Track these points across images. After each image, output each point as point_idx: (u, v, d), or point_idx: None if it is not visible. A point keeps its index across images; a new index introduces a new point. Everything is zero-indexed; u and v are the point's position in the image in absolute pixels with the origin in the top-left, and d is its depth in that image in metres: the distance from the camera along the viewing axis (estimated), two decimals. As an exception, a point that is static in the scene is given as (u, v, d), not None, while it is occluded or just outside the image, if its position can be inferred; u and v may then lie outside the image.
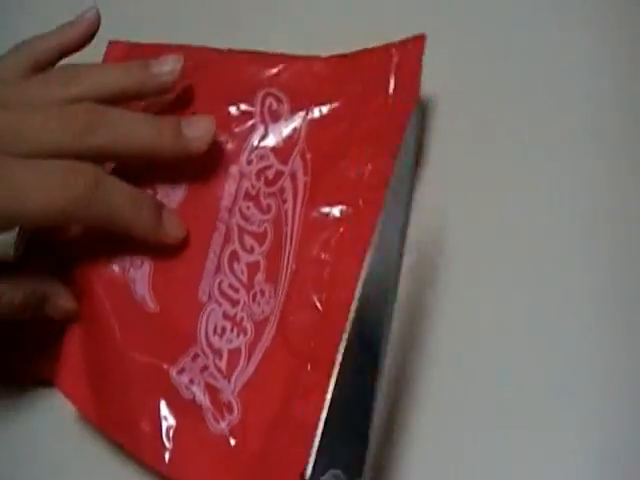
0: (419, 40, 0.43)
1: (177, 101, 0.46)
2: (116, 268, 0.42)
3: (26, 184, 0.36)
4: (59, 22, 0.45)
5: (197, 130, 0.42)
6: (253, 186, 0.43)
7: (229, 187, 0.43)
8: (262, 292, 0.41)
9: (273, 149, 0.44)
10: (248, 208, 0.43)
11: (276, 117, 0.44)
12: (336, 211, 0.42)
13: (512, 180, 0.42)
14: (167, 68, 0.43)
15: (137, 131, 0.40)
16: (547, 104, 0.43)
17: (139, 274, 0.42)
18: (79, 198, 0.37)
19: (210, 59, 0.47)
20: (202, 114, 0.43)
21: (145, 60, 0.43)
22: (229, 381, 0.39)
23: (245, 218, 0.42)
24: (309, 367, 0.39)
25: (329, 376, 0.37)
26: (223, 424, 0.39)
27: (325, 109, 0.44)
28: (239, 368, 0.40)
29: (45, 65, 0.43)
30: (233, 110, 0.45)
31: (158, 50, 0.45)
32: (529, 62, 0.45)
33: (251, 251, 0.42)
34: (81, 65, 0.43)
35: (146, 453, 0.39)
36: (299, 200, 0.42)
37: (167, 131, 0.41)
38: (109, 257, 0.42)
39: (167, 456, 0.39)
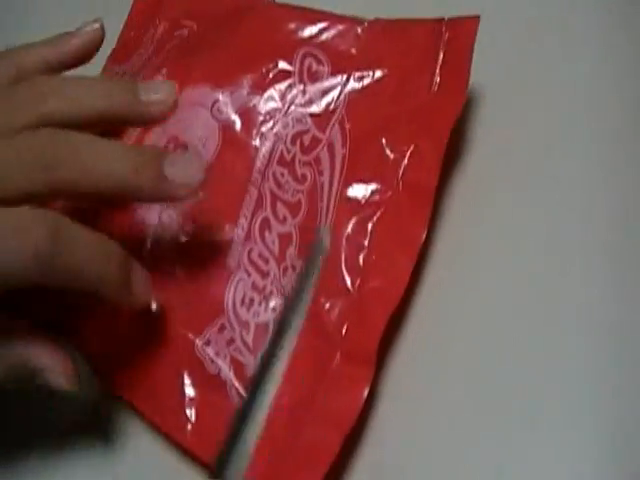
0: (473, 21, 0.41)
1: (213, 48, 0.44)
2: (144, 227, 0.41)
3: None
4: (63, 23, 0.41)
5: (182, 171, 0.35)
6: (288, 150, 0.41)
7: (263, 149, 0.42)
8: (293, 267, 0.40)
9: (311, 113, 0.42)
10: (282, 175, 0.41)
11: (315, 79, 0.43)
12: (373, 191, 0.41)
13: (556, 172, 0.42)
14: (158, 97, 0.36)
15: (109, 166, 0.33)
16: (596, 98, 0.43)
17: (167, 234, 0.41)
18: (37, 256, 0.31)
19: (253, 6, 0.44)
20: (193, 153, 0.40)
21: (133, 81, 0.38)
22: (255, 357, 0.38)
23: (279, 185, 0.41)
24: (338, 356, 0.38)
25: (359, 370, 0.36)
26: None
27: (367, 77, 0.43)
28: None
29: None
30: (270, 67, 0.43)
31: None
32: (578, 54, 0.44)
33: (284, 221, 0.41)
34: (54, 78, 0.36)
35: (167, 424, 0.39)
36: (336, 175, 0.41)
37: (147, 170, 0.34)
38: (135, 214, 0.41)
39: (189, 428, 0.38)
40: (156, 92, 0.36)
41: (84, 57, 0.39)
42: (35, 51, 0.37)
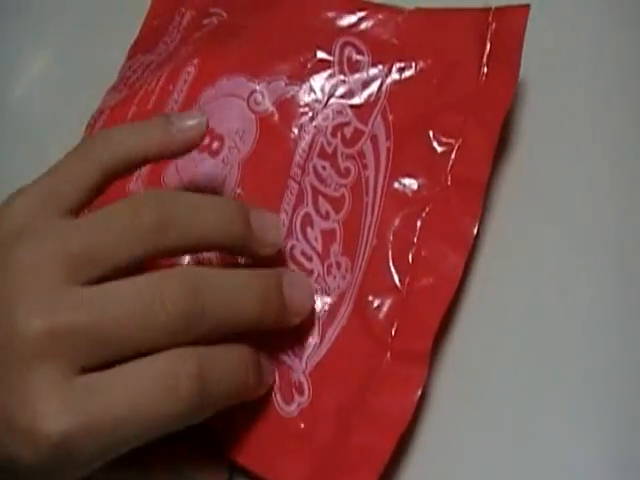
0: (522, 10, 0.40)
1: (247, 36, 0.42)
2: None
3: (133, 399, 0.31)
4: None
5: (299, 295, 0.37)
6: (329, 143, 0.40)
7: (302, 141, 0.40)
8: (338, 265, 0.38)
9: (351, 104, 0.41)
10: (324, 168, 0.40)
11: (355, 69, 0.41)
12: (421, 186, 0.39)
13: (608, 162, 0.40)
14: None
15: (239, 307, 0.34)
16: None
17: None
18: (189, 403, 0.31)
19: None
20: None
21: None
22: (300, 359, 0.37)
23: (320, 179, 0.40)
24: (388, 355, 0.36)
25: (411, 370, 0.35)
26: (293, 406, 0.37)
27: (410, 67, 0.41)
28: (312, 346, 0.37)
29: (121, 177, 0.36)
30: (309, 56, 0.42)
31: None
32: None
33: (326, 217, 0.39)
34: (180, 204, 0.34)
35: (210, 430, 0.37)
36: (382, 168, 0.39)
37: (272, 303, 0.35)
38: None
39: (232, 436, 0.37)
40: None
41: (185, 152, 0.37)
42: (133, 150, 0.36)
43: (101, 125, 0.44)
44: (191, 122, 0.36)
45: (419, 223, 0.38)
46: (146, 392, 0.31)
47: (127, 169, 0.35)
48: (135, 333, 0.31)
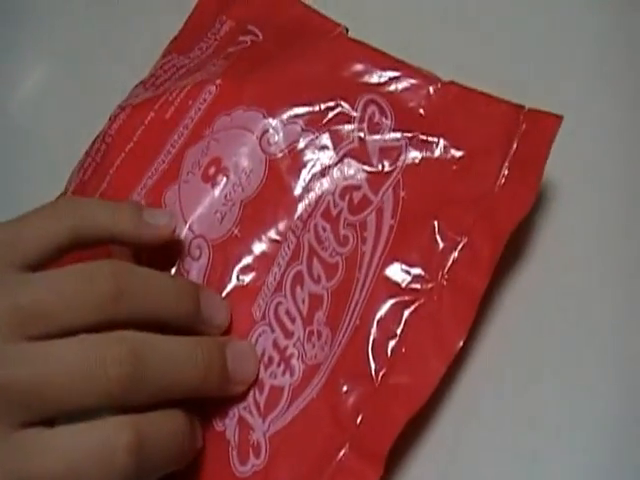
0: (554, 120, 0.40)
1: (273, 68, 0.41)
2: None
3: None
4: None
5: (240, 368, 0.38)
6: (335, 204, 0.40)
7: (309, 194, 0.40)
8: (319, 334, 0.39)
9: (366, 168, 0.40)
10: (324, 230, 0.40)
11: (376, 130, 0.41)
12: (415, 277, 0.39)
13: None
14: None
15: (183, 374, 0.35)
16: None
17: (196, 266, 0.39)
18: (124, 476, 0.32)
19: (324, 32, 0.42)
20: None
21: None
22: (264, 421, 0.38)
23: (319, 241, 0.40)
24: (347, 447, 0.37)
25: (365, 468, 0.36)
26: (247, 467, 0.37)
27: (432, 144, 0.40)
28: (277, 410, 0.38)
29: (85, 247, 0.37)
30: (330, 105, 0.41)
31: None
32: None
33: (317, 281, 0.39)
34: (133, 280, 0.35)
35: None
36: (379, 247, 0.39)
37: (214, 372, 0.36)
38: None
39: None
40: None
41: (148, 246, 0.38)
42: (102, 224, 0.36)
43: (120, 123, 0.42)
44: (160, 220, 0.37)
45: (406, 316, 0.38)
46: (82, 460, 0.31)
47: (94, 240, 0.36)
48: (73, 393, 0.32)
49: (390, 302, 0.39)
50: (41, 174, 0.45)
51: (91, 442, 0.32)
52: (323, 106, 0.41)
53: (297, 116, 0.41)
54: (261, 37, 0.44)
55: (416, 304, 0.38)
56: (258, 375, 0.38)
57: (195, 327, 0.36)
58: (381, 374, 0.38)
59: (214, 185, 0.40)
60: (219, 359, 0.36)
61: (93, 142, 0.43)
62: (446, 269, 0.38)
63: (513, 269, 0.41)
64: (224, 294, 0.39)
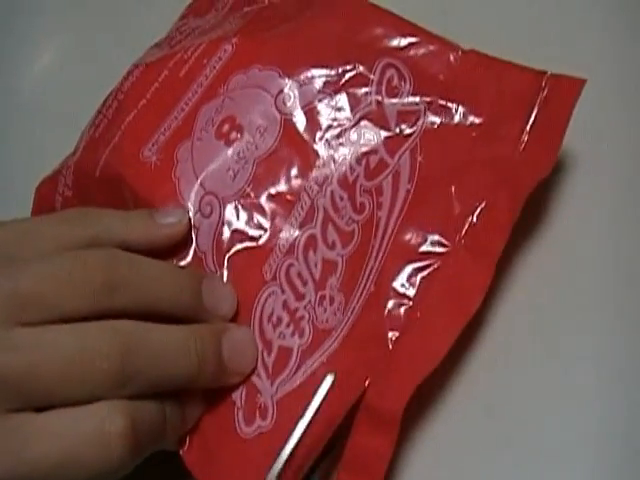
0: (577, 83, 0.39)
1: (290, 29, 0.40)
2: None
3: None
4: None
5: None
6: (352, 169, 0.39)
7: (325, 157, 0.39)
8: (332, 299, 0.37)
9: (383, 131, 0.39)
10: (341, 199, 0.39)
11: (394, 94, 0.40)
12: (432, 242, 0.38)
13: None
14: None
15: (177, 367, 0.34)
16: None
17: (206, 223, 0.38)
18: (120, 461, 0.32)
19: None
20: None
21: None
22: (272, 382, 0.37)
23: (335, 208, 0.39)
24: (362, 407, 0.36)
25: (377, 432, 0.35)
26: (252, 428, 0.36)
27: (451, 109, 0.40)
28: (285, 373, 0.37)
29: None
30: (348, 68, 0.40)
31: None
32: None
33: (332, 247, 0.38)
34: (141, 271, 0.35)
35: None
36: (395, 212, 0.39)
37: (209, 365, 0.36)
38: None
39: (187, 440, 0.37)
40: None
41: (163, 246, 0.38)
42: (117, 230, 0.36)
43: (133, 80, 0.41)
44: (172, 219, 0.37)
45: (421, 282, 0.37)
46: (78, 444, 0.31)
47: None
48: (64, 383, 0.31)
49: (405, 267, 0.38)
50: (56, 149, 0.44)
51: (86, 427, 0.31)
52: (340, 68, 0.40)
53: (314, 77, 0.40)
54: None
55: (431, 269, 0.38)
56: (266, 336, 0.37)
57: (198, 317, 0.36)
58: (395, 338, 0.37)
59: (227, 143, 0.39)
60: (214, 350, 0.35)
61: (105, 100, 0.43)
62: (463, 232, 0.38)
63: (530, 239, 0.41)
64: (233, 252, 0.38)
